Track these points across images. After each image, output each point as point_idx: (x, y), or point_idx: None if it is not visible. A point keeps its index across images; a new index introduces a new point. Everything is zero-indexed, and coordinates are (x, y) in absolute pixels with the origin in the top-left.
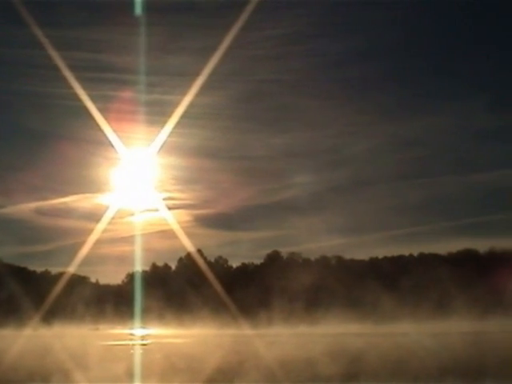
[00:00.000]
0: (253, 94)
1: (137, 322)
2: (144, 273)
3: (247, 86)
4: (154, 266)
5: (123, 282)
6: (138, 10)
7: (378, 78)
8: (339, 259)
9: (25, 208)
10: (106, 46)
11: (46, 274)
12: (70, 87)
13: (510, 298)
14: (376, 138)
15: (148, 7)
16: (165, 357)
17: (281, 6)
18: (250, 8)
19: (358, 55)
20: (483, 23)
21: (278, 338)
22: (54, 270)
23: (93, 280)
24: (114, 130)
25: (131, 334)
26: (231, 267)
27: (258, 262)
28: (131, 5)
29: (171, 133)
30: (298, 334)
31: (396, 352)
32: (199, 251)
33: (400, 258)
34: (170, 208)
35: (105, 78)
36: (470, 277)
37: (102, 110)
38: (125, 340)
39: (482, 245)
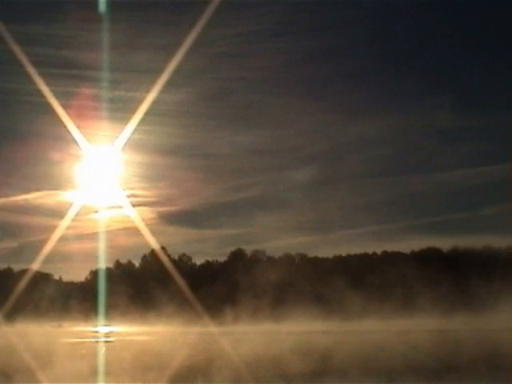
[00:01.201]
0: (217, 92)
1: (101, 319)
2: (108, 270)
3: (212, 83)
4: (118, 263)
5: (87, 279)
6: (103, 6)
7: (343, 77)
8: (303, 257)
9: None
10: (70, 42)
11: (8, 271)
12: (34, 83)
13: (473, 297)
14: (340, 137)
15: (112, 3)
16: (129, 354)
17: (246, 3)
18: (214, 5)
19: (322, 54)
20: (446, 22)
21: (244, 335)
22: (16, 268)
23: (56, 277)
24: (78, 127)
25: (95, 332)
26: (195, 265)
27: (222, 259)
28: (96, 1)
29: (135, 130)
30: (263, 332)
31: (363, 350)
32: (163, 249)
33: (364, 256)
34: (133, 205)
35: (68, 74)
36: (434, 275)
37: (65, 107)
38: (88, 337)
39: (445, 243)
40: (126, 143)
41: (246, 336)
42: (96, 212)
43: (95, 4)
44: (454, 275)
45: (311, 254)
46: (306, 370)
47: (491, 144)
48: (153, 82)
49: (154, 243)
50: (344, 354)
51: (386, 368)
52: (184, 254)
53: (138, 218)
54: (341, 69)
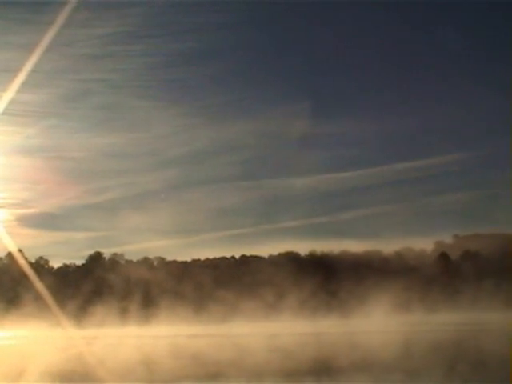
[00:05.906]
0: (78, 93)
1: None
2: None
3: (72, 84)
4: None
5: None
6: None
7: (203, 81)
8: (161, 260)
9: None
10: None
11: None
12: None
13: (333, 300)
14: (199, 141)
15: None
16: None
17: (109, 4)
18: (76, 5)
19: (184, 58)
20: (307, 29)
21: (100, 339)
22: None
23: None
24: None
25: None
26: (52, 268)
27: (79, 262)
28: None
29: None
30: (128, 336)
31: (233, 353)
32: (20, 251)
33: (222, 259)
34: None
35: None
36: (293, 279)
37: None
38: None
39: (303, 248)
40: None
41: (110, 340)
42: None
43: None
44: (312, 279)
45: (170, 257)
46: (177, 375)
47: (349, 150)
48: (10, 82)
49: (10, 246)
50: (215, 357)
51: (254, 371)
52: (41, 257)
53: None
54: (202, 73)
